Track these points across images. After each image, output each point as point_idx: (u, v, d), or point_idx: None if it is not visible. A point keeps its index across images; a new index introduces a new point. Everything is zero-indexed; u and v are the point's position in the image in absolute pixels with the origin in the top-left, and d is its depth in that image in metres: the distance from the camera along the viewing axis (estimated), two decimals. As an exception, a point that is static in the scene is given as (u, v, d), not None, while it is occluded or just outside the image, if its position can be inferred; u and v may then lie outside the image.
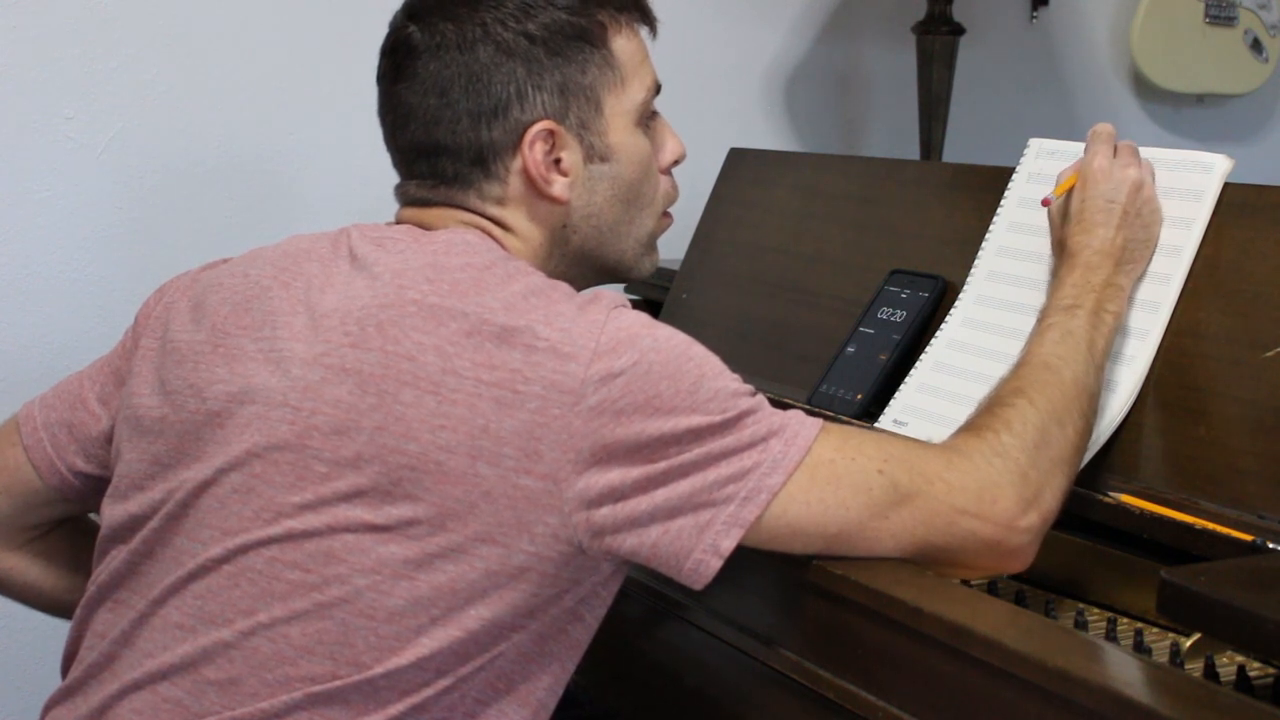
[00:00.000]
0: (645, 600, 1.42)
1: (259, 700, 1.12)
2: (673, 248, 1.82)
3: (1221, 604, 0.99)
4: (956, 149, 2.48)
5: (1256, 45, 2.82)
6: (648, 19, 1.33)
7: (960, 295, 1.50)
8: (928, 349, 1.49)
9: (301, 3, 2.12)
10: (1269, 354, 1.25)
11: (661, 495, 1.11)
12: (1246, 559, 1.15)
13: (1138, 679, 0.98)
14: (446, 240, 1.21)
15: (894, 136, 2.63)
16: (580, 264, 1.32)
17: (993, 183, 1.54)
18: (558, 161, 1.27)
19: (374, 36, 1.33)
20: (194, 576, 1.17)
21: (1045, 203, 1.40)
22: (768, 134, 2.53)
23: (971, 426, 1.22)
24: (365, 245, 1.23)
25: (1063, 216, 1.37)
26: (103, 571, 1.25)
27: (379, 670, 1.12)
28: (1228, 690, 1.06)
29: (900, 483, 1.15)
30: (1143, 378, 1.33)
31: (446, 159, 1.26)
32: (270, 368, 1.18)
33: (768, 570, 1.23)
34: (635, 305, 1.21)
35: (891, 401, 1.49)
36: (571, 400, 1.10)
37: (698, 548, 1.12)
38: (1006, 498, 1.16)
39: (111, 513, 1.26)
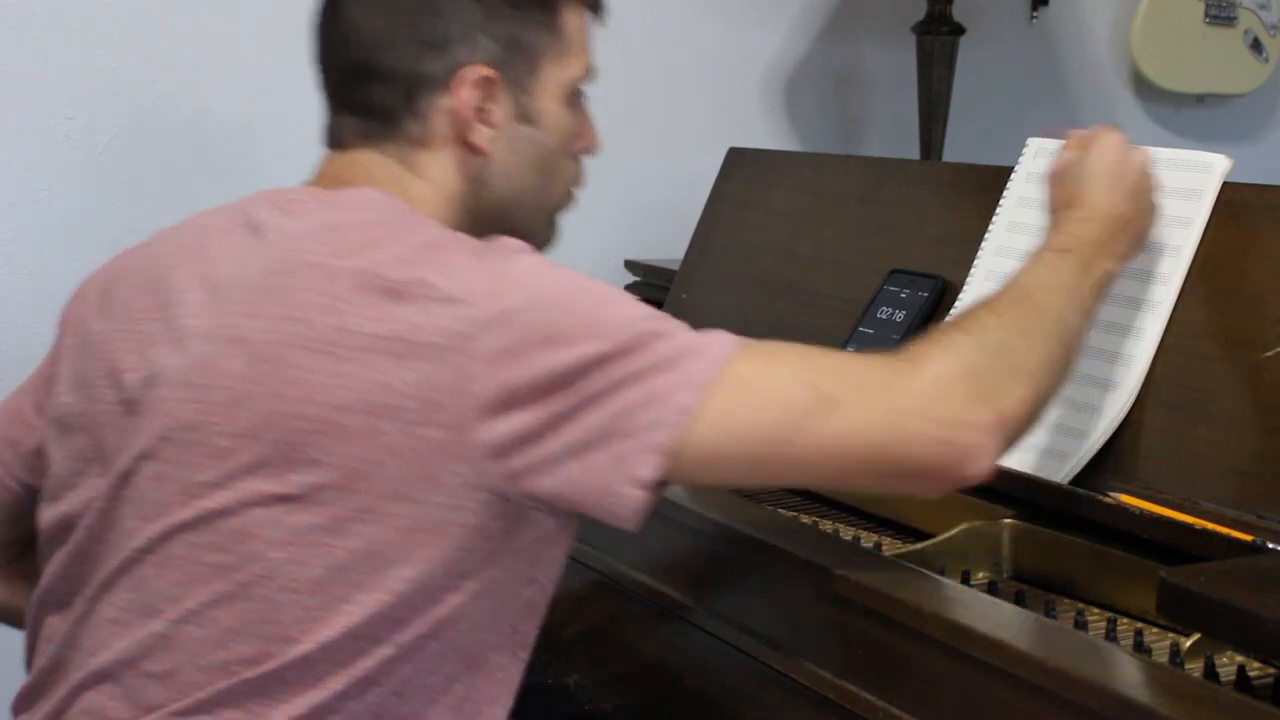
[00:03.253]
0: (645, 600, 1.42)
1: (198, 690, 1.10)
2: (673, 248, 1.82)
3: (1221, 604, 0.99)
4: (956, 149, 2.48)
5: (1256, 45, 2.82)
6: (595, 6, 1.31)
7: (960, 295, 1.50)
8: (928, 349, 1.49)
9: (305, 2, 2.11)
10: (1269, 354, 1.25)
11: (572, 431, 1.07)
12: (1246, 559, 1.15)
13: (1138, 679, 0.98)
14: (348, 199, 1.19)
15: (894, 136, 2.63)
16: (486, 225, 1.26)
17: (992, 183, 1.54)
18: (486, 113, 1.24)
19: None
20: (124, 569, 1.14)
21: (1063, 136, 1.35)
22: (768, 134, 2.52)
23: (926, 335, 1.16)
24: (267, 211, 1.20)
25: (1064, 177, 1.32)
26: (46, 576, 1.22)
27: (310, 644, 1.09)
28: (1228, 690, 1.06)
29: (828, 390, 1.08)
30: (1143, 378, 1.33)
31: (378, 84, 1.23)
32: (171, 347, 1.16)
33: (768, 570, 1.23)
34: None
35: (891, 401, 1.48)
36: (467, 344, 1.07)
37: (615, 480, 1.07)
38: (955, 394, 1.09)
39: (46, 516, 1.23)
